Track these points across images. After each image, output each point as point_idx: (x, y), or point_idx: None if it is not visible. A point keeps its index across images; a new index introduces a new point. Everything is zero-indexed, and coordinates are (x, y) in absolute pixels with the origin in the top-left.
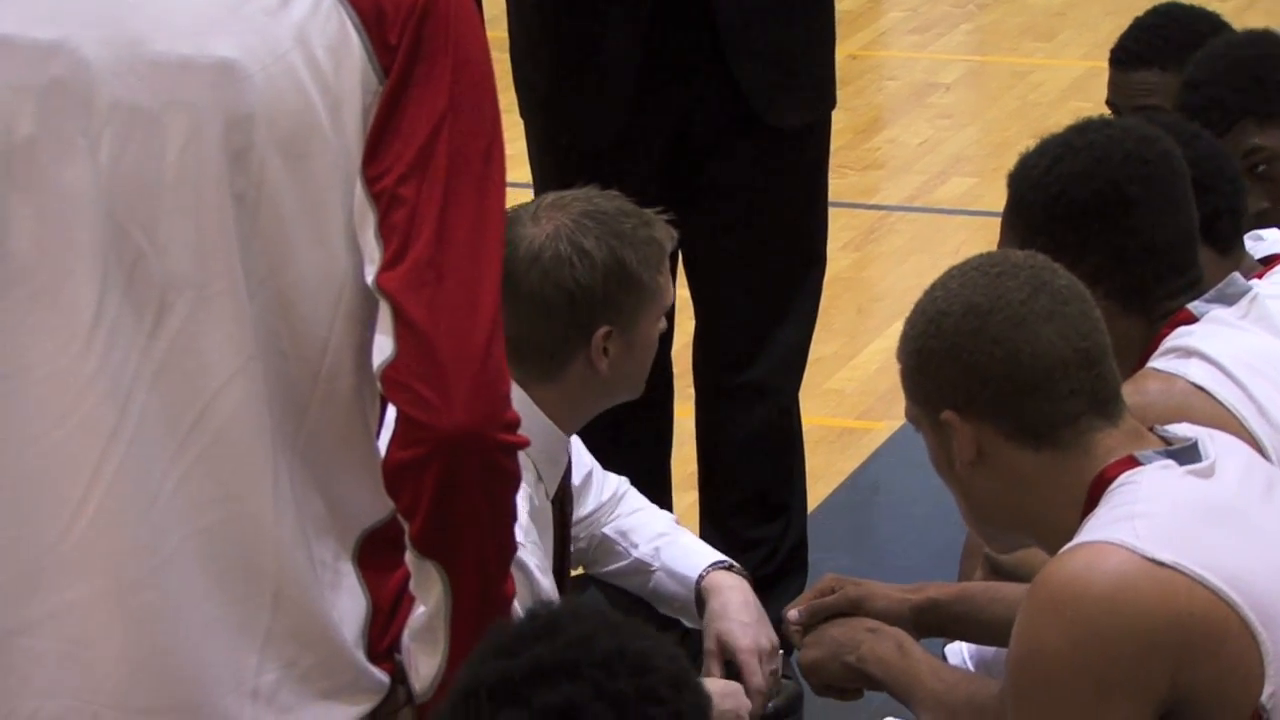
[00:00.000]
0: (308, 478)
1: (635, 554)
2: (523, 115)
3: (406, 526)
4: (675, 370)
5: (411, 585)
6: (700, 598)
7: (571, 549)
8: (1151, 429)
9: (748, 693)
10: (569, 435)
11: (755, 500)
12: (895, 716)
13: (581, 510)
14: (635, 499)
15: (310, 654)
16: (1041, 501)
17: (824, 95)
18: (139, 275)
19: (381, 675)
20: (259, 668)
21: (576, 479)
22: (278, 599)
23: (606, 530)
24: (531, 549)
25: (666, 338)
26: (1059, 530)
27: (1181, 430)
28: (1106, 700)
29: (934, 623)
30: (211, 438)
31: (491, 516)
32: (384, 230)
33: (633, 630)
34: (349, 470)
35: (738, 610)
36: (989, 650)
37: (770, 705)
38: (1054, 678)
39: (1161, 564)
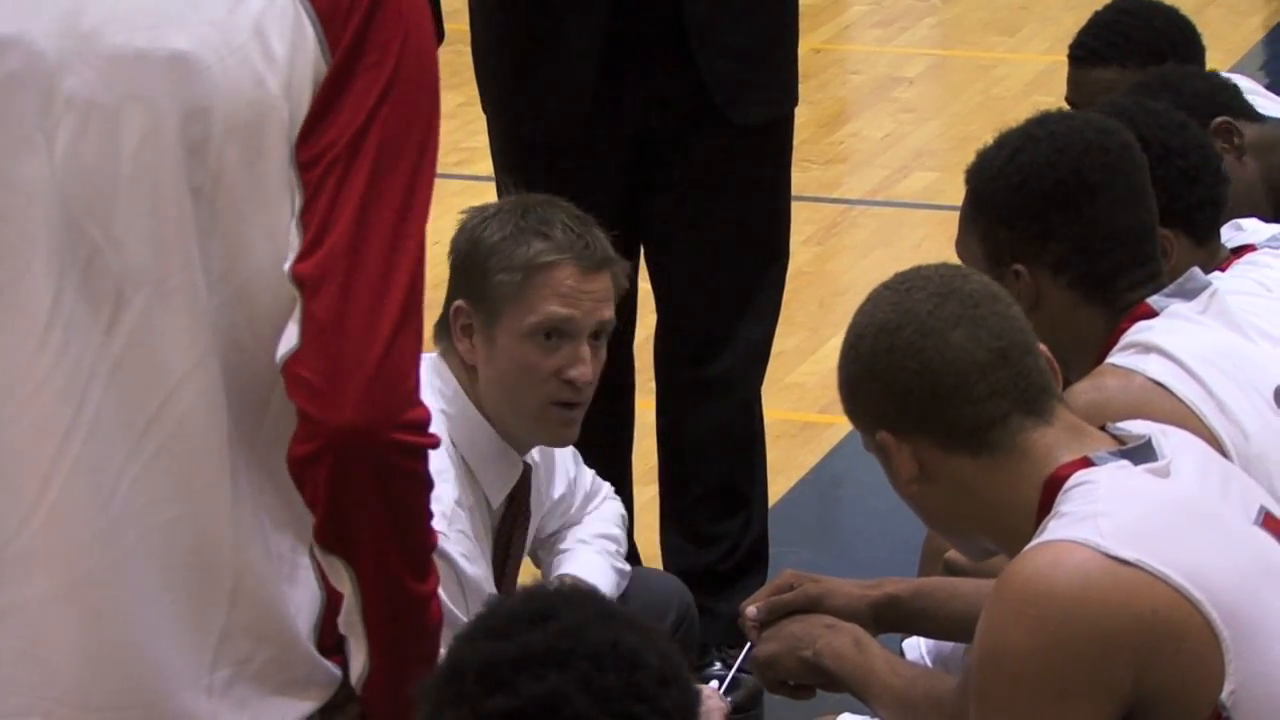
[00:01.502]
0: (266, 471)
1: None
2: (484, 109)
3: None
4: (636, 364)
5: (330, 579)
6: None
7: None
8: (1103, 427)
9: None
10: (512, 446)
11: (716, 495)
12: (852, 713)
13: (547, 526)
14: (605, 509)
15: (266, 649)
16: (992, 507)
17: (787, 92)
18: (95, 270)
19: (334, 668)
20: (215, 663)
21: (556, 490)
22: (235, 594)
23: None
24: (456, 538)
25: (627, 331)
26: (1014, 534)
27: (1134, 428)
28: (1070, 698)
29: (892, 618)
30: (169, 434)
31: (390, 517)
32: (305, 217)
33: (626, 623)
34: None
35: None
36: (946, 645)
37: (731, 700)
38: (1018, 676)
39: (1124, 562)
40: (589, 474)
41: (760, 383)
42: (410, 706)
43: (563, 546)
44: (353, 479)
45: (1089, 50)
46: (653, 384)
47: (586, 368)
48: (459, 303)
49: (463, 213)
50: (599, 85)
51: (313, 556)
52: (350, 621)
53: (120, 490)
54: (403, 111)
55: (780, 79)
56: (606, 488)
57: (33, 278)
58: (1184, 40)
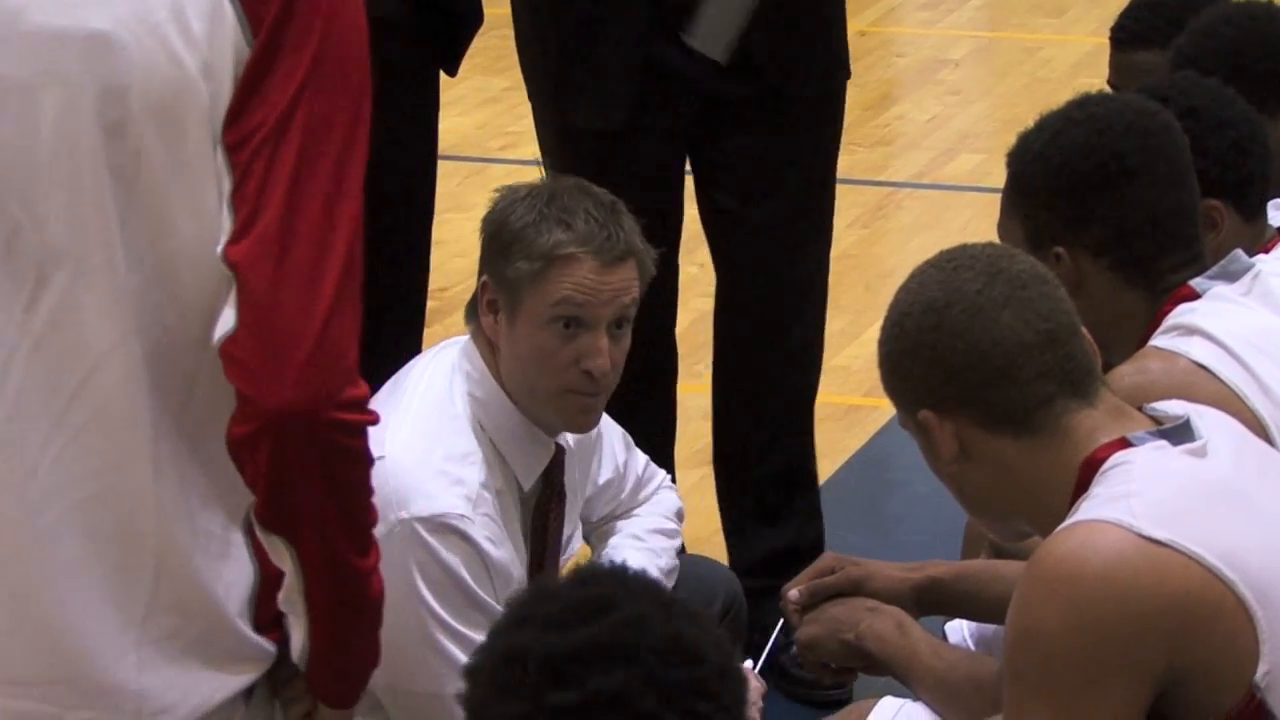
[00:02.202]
0: (193, 449)
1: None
2: (530, 99)
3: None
4: (680, 349)
5: (270, 557)
6: None
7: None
8: (1140, 407)
9: None
10: (539, 427)
11: (777, 476)
12: (894, 696)
13: (596, 511)
14: (660, 501)
15: (193, 625)
16: (1031, 489)
17: (839, 64)
18: (16, 248)
19: (267, 644)
20: (141, 638)
21: (603, 475)
22: (159, 570)
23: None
24: (481, 522)
25: (669, 318)
26: (1052, 516)
27: (1171, 408)
28: (1103, 679)
29: (934, 601)
30: (91, 411)
31: (331, 496)
32: (236, 200)
33: (684, 613)
34: None
35: None
36: (989, 628)
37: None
38: (1050, 657)
39: (1157, 542)
40: (641, 459)
41: (819, 363)
42: (351, 679)
43: (613, 541)
44: (292, 459)
45: (1131, 33)
46: (697, 367)
47: (604, 359)
48: (485, 279)
49: (495, 190)
50: (647, 67)
51: (246, 534)
52: (290, 599)
53: (43, 467)
54: (328, 92)
55: (831, 50)
56: (661, 475)
57: None
58: None
